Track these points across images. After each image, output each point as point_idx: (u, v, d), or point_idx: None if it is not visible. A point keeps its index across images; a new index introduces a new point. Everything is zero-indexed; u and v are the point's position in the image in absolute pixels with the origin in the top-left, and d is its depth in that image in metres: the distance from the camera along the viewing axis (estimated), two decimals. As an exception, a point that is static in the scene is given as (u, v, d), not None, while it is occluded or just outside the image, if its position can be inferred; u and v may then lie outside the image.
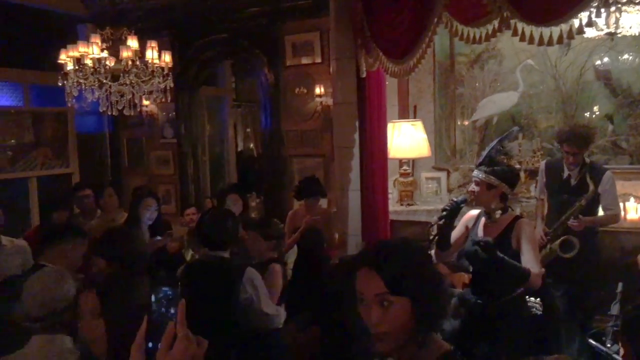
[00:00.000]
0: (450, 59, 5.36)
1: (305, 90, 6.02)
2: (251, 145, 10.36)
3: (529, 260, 2.72)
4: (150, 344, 1.08)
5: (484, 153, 3.01)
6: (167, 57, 4.69)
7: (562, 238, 3.87)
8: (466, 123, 5.38)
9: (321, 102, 5.91)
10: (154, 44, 4.58)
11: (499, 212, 2.90)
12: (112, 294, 1.57)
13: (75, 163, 6.78)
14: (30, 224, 6.03)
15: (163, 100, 4.87)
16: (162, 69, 4.63)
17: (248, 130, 10.30)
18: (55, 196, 5.16)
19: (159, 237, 4.08)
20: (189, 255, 4.62)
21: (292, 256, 4.67)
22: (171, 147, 6.98)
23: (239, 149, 9.37)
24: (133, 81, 4.55)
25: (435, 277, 1.41)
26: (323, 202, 5.09)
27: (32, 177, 6.37)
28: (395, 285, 1.32)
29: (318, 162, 6.00)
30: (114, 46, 4.66)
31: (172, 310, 1.11)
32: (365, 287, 1.36)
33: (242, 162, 8.73)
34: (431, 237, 3.05)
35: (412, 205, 5.16)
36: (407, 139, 5.05)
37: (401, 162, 5.23)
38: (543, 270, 2.78)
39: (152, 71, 4.56)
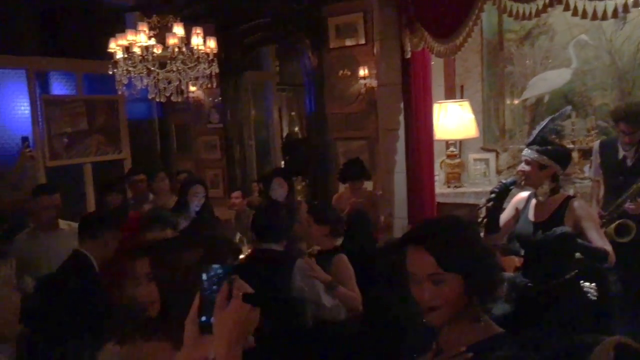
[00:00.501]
0: (499, 36, 5.18)
1: (349, 73, 5.98)
2: (296, 128, 10.40)
3: (597, 239, 2.69)
4: (203, 318, 1.15)
5: (535, 132, 2.93)
6: (212, 43, 4.72)
7: (617, 222, 3.71)
8: (516, 102, 5.22)
9: (365, 84, 5.86)
10: (199, 30, 4.63)
11: (550, 193, 2.82)
12: (164, 260, 1.68)
13: (127, 149, 6.99)
14: (85, 208, 6.28)
15: (209, 86, 4.94)
16: (207, 55, 4.68)
17: (293, 113, 10.34)
18: (108, 181, 5.39)
19: None
20: (237, 237, 4.71)
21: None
22: (218, 132, 7.10)
23: (284, 133, 9.43)
24: (179, 68, 4.61)
25: (485, 251, 1.42)
26: (368, 185, 5.08)
27: (87, 163, 6.62)
28: (447, 262, 1.34)
29: (363, 145, 5.97)
30: (160, 34, 4.74)
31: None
32: (416, 266, 1.37)
33: (287, 146, 8.79)
34: (479, 220, 3.00)
35: (459, 187, 5.08)
36: (453, 119, 4.95)
37: (448, 143, 5.14)
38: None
39: (198, 57, 4.62)
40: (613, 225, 3.71)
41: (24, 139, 4.48)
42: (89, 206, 6.28)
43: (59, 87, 6.72)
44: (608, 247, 2.68)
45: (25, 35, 6.55)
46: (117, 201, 4.36)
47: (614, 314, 3.30)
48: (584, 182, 4.49)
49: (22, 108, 6.16)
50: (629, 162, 3.84)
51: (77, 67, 6.53)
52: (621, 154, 3.88)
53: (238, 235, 4.75)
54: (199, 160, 7.27)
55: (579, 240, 2.62)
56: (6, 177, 4.35)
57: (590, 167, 4.38)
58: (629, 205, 3.70)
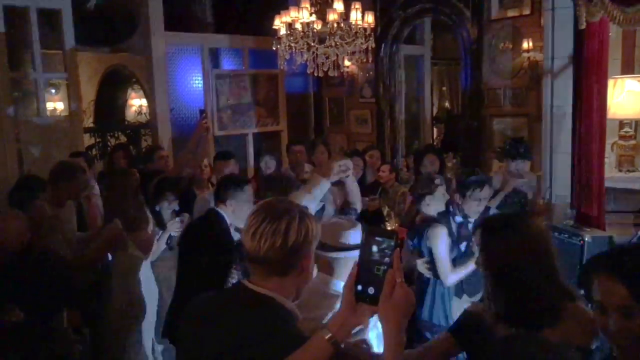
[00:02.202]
0: (694, 1, 4.52)
1: (511, 45, 5.66)
2: (446, 103, 10.13)
3: None
4: (359, 287, 1.19)
5: None
6: (369, 18, 4.75)
7: None
8: None
9: (529, 58, 5.50)
10: (358, 5, 4.67)
11: None
12: None
13: (284, 121, 7.39)
14: (246, 174, 6.78)
15: (364, 60, 4.99)
16: (365, 29, 4.72)
17: (444, 88, 10.07)
18: (261, 148, 5.85)
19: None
20: (385, 211, 4.77)
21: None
22: (369, 106, 7.17)
23: (435, 108, 9.23)
24: (337, 43, 4.73)
25: None
26: (526, 165, 4.81)
27: (249, 134, 7.12)
28: None
29: (522, 122, 5.65)
30: (321, 10, 4.88)
31: (387, 259, 1.19)
32: (606, 296, 1.25)
33: (441, 121, 8.61)
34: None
35: (633, 171, 4.62)
36: (630, 97, 4.48)
37: (622, 123, 4.67)
38: None
39: (356, 32, 4.68)
40: None
41: (202, 111, 4.97)
42: (250, 173, 6.77)
43: (227, 63, 7.27)
44: None
45: (200, 14, 7.17)
46: (270, 167, 4.76)
47: None
48: None
49: (196, 82, 6.80)
50: None
51: (244, 44, 7.00)
52: None
53: (386, 210, 4.80)
54: (350, 133, 7.44)
55: None
56: (185, 146, 4.87)
57: None
58: None
